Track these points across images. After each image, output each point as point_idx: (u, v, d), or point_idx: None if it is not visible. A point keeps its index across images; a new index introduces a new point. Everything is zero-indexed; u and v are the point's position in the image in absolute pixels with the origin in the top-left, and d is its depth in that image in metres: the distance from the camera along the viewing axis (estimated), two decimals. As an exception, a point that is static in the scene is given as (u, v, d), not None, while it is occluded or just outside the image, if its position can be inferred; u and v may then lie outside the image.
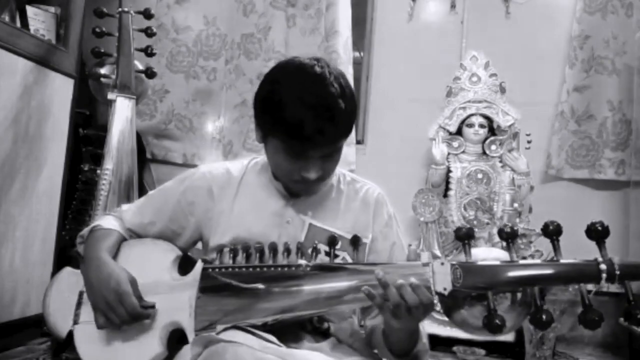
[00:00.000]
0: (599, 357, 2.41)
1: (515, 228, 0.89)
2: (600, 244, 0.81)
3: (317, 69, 0.95)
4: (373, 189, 1.14)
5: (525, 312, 0.86)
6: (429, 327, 2.28)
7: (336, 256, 0.98)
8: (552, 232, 0.84)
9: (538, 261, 0.87)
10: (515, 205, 2.43)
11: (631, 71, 2.54)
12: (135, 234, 1.13)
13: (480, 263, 0.86)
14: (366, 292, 0.85)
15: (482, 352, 2.19)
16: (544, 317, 0.81)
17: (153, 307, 0.98)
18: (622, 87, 2.59)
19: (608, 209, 2.60)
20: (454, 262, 0.86)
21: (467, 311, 0.87)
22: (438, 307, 2.29)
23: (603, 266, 0.79)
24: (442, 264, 0.86)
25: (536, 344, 2.06)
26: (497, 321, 0.81)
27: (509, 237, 0.87)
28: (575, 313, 2.45)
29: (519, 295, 0.86)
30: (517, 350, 2.17)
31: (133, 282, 0.98)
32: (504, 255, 0.89)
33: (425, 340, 1.01)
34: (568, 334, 2.48)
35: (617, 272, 0.79)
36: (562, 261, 0.83)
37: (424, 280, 0.86)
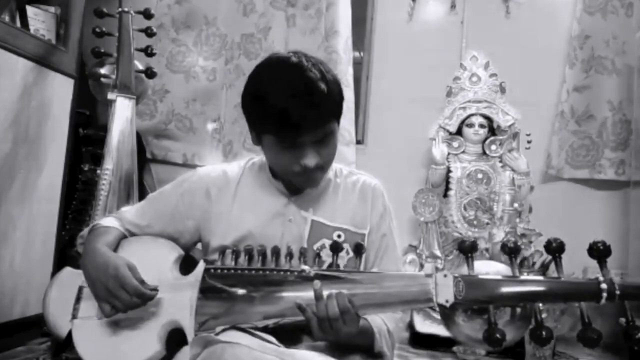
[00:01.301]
0: (599, 357, 2.40)
1: (519, 243, 0.89)
2: (602, 263, 0.83)
3: (294, 59, 0.98)
4: (369, 180, 1.16)
5: (524, 327, 0.87)
6: (429, 327, 2.29)
7: (341, 249, 0.98)
8: (554, 249, 0.85)
9: (540, 277, 0.87)
10: (515, 205, 2.43)
11: (631, 71, 2.54)
12: (133, 235, 1.13)
13: (482, 277, 0.86)
14: (297, 305, 0.87)
15: (482, 352, 2.19)
16: (543, 333, 0.82)
17: (156, 289, 0.97)
18: (622, 87, 2.59)
19: (608, 209, 2.60)
20: (456, 275, 0.86)
21: (467, 324, 0.87)
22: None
23: (604, 285, 0.81)
24: (445, 275, 0.87)
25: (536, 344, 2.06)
26: (497, 335, 0.81)
27: (511, 252, 0.88)
28: (575, 313, 2.45)
29: (519, 309, 0.87)
30: (517, 351, 2.17)
31: (132, 267, 0.98)
32: (504, 269, 0.89)
33: (383, 342, 1.00)
34: (568, 334, 2.48)
35: (618, 292, 0.80)
36: (563, 279, 0.84)
37: (425, 291, 0.87)
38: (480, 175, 2.49)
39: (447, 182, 2.54)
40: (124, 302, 0.95)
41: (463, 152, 2.56)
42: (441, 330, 2.27)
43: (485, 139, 2.53)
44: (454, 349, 2.22)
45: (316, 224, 1.06)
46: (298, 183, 1.05)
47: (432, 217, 2.47)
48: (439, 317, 2.28)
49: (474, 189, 2.48)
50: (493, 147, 2.52)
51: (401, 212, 2.59)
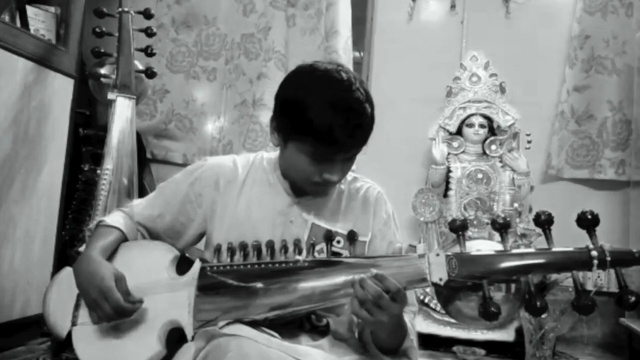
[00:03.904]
0: (599, 357, 2.41)
1: (508, 219, 0.91)
2: (591, 232, 0.84)
3: (343, 74, 0.97)
4: (373, 187, 1.16)
5: (519, 302, 0.88)
6: (429, 327, 2.28)
7: (338, 254, 1.00)
8: (543, 221, 0.87)
9: (531, 250, 0.88)
10: (515, 205, 2.42)
11: (631, 71, 2.54)
12: (145, 228, 1.14)
13: (474, 253, 0.88)
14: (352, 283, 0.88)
15: (482, 352, 2.19)
16: (538, 303, 0.83)
17: (141, 301, 0.98)
18: (622, 87, 2.59)
19: (608, 209, 2.60)
20: (449, 253, 0.88)
21: (463, 302, 0.89)
22: (438, 308, 2.29)
23: (594, 253, 0.82)
24: (438, 255, 0.88)
25: (536, 344, 2.06)
26: (492, 309, 0.83)
27: (502, 228, 0.89)
28: (575, 313, 2.46)
29: (512, 285, 0.88)
30: (517, 350, 2.17)
31: (119, 278, 0.99)
32: (498, 247, 0.90)
33: (413, 337, 1.02)
34: (568, 334, 2.48)
35: (608, 259, 0.81)
36: (554, 249, 0.86)
37: (419, 271, 0.88)
38: (480, 175, 2.49)
39: (447, 182, 2.54)
40: (106, 314, 0.96)
41: (463, 152, 2.56)
42: (441, 330, 2.27)
43: (485, 139, 2.53)
44: (454, 349, 2.22)
45: (316, 227, 1.07)
46: (311, 191, 1.06)
47: (432, 217, 2.47)
48: (439, 317, 2.29)
49: (474, 189, 2.48)
50: (493, 147, 2.52)
51: (401, 212, 2.58)
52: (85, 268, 1.01)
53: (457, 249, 0.90)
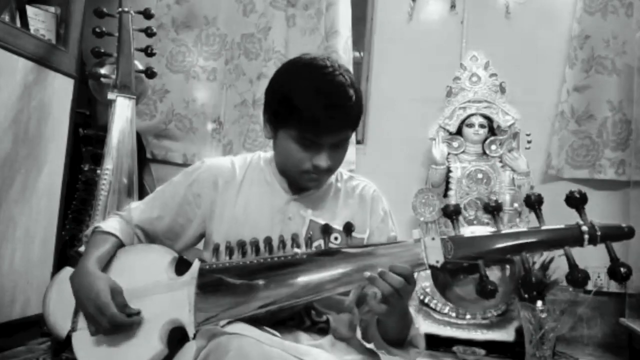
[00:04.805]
0: (599, 357, 2.41)
1: (500, 202, 0.93)
2: (580, 210, 0.88)
3: (327, 62, 1.01)
4: (369, 186, 1.17)
5: (515, 281, 0.92)
6: (429, 327, 2.29)
7: (332, 232, 1.00)
8: (534, 202, 0.90)
9: (524, 229, 0.91)
10: (515, 205, 2.43)
11: (631, 71, 2.54)
12: (143, 230, 1.14)
13: (469, 235, 0.90)
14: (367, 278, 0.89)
15: (482, 352, 2.19)
16: (533, 279, 0.86)
17: (138, 314, 0.99)
18: (622, 87, 2.59)
19: (608, 209, 2.60)
20: (444, 236, 0.90)
21: (460, 286, 0.91)
22: (438, 308, 2.28)
23: (585, 228, 0.85)
24: (433, 239, 0.90)
25: (536, 344, 2.06)
26: (489, 287, 0.85)
27: (494, 210, 0.91)
28: (575, 313, 2.46)
29: (507, 266, 0.92)
30: (517, 351, 2.17)
31: (115, 292, 0.99)
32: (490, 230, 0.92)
33: (417, 325, 1.03)
34: (568, 334, 2.48)
35: (599, 234, 0.84)
36: (545, 227, 0.88)
37: (415, 256, 0.89)
38: (480, 175, 2.49)
39: (447, 182, 2.54)
40: (103, 328, 0.97)
41: (463, 152, 2.56)
42: (441, 330, 2.27)
43: (485, 139, 2.54)
44: (454, 349, 2.22)
45: (314, 223, 1.07)
46: (303, 181, 1.06)
47: (432, 217, 2.47)
48: (439, 317, 2.29)
49: (474, 189, 2.48)
50: (493, 147, 2.52)
51: (401, 212, 2.60)
52: (80, 281, 1.01)
53: (452, 233, 0.92)
